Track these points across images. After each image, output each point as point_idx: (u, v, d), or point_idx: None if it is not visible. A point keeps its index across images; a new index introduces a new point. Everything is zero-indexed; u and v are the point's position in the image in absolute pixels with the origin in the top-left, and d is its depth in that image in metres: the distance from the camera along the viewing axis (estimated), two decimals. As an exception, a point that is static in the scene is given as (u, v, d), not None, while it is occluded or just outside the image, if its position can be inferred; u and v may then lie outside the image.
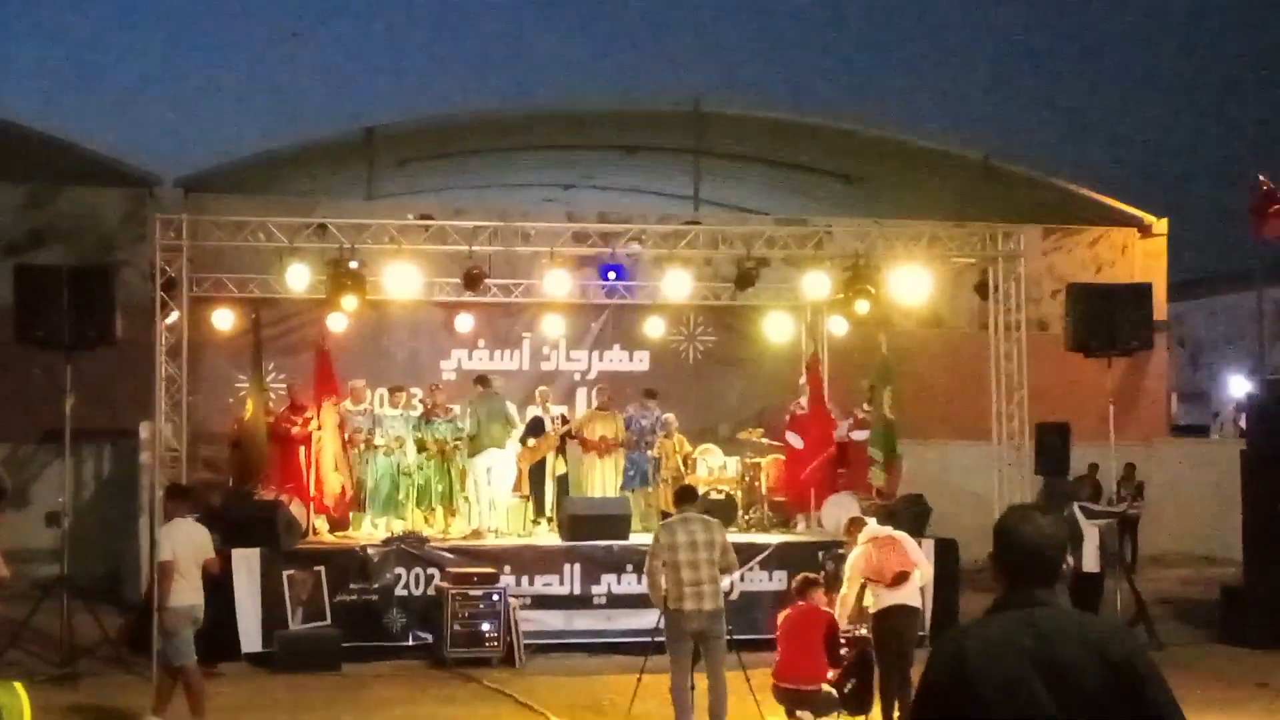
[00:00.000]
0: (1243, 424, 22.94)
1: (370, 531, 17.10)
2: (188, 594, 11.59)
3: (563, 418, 18.57)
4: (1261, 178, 20.04)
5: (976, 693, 3.72)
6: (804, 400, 18.71)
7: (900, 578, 11.49)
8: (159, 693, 11.74)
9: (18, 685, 2.63)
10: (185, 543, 11.64)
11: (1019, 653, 3.74)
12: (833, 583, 13.37)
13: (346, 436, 17.33)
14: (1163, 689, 3.77)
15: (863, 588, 11.71)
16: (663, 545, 11.08)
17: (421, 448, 17.46)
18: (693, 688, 10.98)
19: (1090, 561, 15.76)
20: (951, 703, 3.77)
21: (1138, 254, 25.04)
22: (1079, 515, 15.81)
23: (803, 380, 19.25)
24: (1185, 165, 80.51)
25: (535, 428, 18.27)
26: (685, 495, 11.82)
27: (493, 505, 17.56)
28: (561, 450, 18.33)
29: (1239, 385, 39.58)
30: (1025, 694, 3.69)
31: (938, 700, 3.83)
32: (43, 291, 14.52)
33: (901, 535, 11.99)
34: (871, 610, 11.66)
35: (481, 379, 18.04)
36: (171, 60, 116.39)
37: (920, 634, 12.71)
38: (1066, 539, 4.07)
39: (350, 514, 17.46)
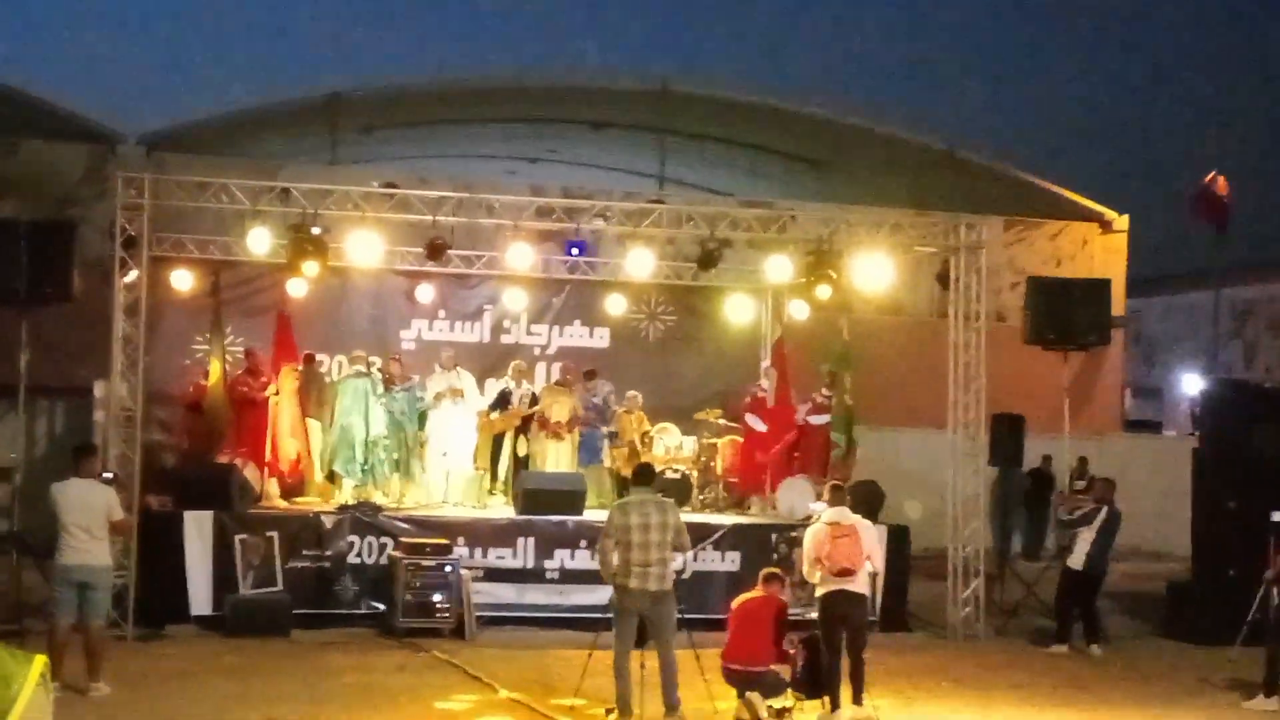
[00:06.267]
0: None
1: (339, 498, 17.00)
2: (70, 554, 11.56)
3: (533, 396, 18.49)
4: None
5: None
6: (764, 383, 18.74)
7: (844, 573, 11.57)
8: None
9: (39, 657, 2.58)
10: (73, 502, 11.59)
11: None
12: (784, 566, 13.48)
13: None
14: None
15: None
16: (616, 525, 11.15)
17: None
18: (643, 666, 11.03)
19: (1077, 560, 15.80)
20: None
21: (1098, 249, 25.22)
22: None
23: (766, 364, 19.29)
24: (1146, 163, 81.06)
25: (501, 400, 18.25)
26: (643, 475, 11.82)
27: (448, 476, 17.55)
28: (524, 430, 18.26)
29: (1192, 382, 39.88)
30: None
31: None
32: (-1, 245, 14.37)
33: (863, 525, 12.01)
34: (817, 594, 11.78)
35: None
36: (137, 15, 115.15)
37: (870, 619, 12.86)
38: None
39: (305, 481, 17.40)
